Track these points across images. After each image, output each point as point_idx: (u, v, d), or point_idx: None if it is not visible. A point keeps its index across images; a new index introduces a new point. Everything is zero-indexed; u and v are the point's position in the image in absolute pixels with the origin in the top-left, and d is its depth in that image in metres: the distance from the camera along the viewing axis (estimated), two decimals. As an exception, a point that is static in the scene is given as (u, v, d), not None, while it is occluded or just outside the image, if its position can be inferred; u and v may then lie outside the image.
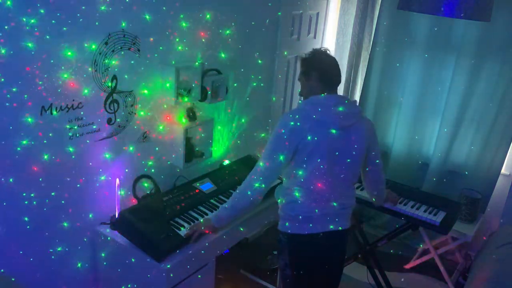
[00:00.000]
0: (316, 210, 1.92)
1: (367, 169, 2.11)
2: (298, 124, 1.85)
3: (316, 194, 1.92)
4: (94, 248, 2.24)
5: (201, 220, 2.19)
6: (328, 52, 1.99)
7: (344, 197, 1.98)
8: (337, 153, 1.89)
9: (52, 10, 1.76)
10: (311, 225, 1.94)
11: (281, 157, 1.87)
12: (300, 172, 1.90)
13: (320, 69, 1.93)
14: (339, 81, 1.98)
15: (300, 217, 1.94)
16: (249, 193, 1.95)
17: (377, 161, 2.10)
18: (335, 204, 1.95)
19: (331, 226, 1.96)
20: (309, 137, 1.84)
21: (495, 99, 3.16)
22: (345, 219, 2.02)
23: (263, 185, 1.93)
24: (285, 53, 3.36)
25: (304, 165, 1.89)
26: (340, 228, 1.98)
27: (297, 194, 1.94)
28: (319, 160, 1.87)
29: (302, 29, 3.51)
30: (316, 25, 3.69)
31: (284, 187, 2.02)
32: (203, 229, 2.12)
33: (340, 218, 1.98)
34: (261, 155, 1.94)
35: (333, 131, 1.86)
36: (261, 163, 1.92)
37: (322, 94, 1.91)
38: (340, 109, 1.87)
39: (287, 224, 1.99)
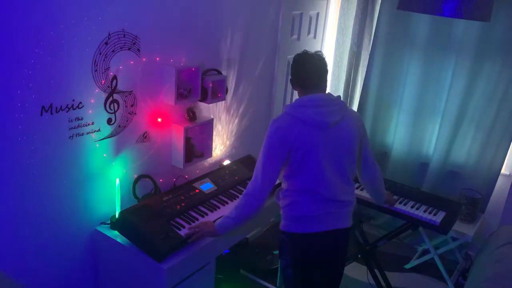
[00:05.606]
0: (317, 209, 1.92)
1: (361, 161, 2.10)
2: (286, 131, 1.86)
3: (315, 194, 1.92)
4: (94, 248, 2.24)
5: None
6: (307, 55, 1.96)
7: (344, 195, 1.98)
8: (331, 151, 1.90)
9: (51, 10, 1.76)
10: (312, 224, 1.94)
11: (275, 166, 1.89)
12: (298, 175, 1.91)
13: (300, 80, 1.97)
14: (324, 79, 1.97)
15: (301, 216, 1.94)
16: (251, 203, 1.96)
17: (369, 151, 2.11)
18: (335, 202, 1.95)
19: (333, 225, 1.96)
20: (299, 141, 1.85)
21: (495, 99, 3.16)
22: (346, 217, 2.02)
23: (263, 193, 1.94)
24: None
25: (301, 167, 1.90)
26: (341, 226, 1.99)
27: (297, 195, 1.94)
28: (314, 160, 1.87)
29: (302, 29, 3.51)
30: (316, 25, 3.69)
31: (284, 189, 2.02)
32: (203, 231, 2.10)
33: (341, 216, 1.99)
34: (255, 164, 1.96)
35: (323, 129, 1.87)
36: (256, 174, 1.93)
37: (305, 96, 1.93)
38: (324, 107, 1.89)
39: (288, 223, 1.99)
